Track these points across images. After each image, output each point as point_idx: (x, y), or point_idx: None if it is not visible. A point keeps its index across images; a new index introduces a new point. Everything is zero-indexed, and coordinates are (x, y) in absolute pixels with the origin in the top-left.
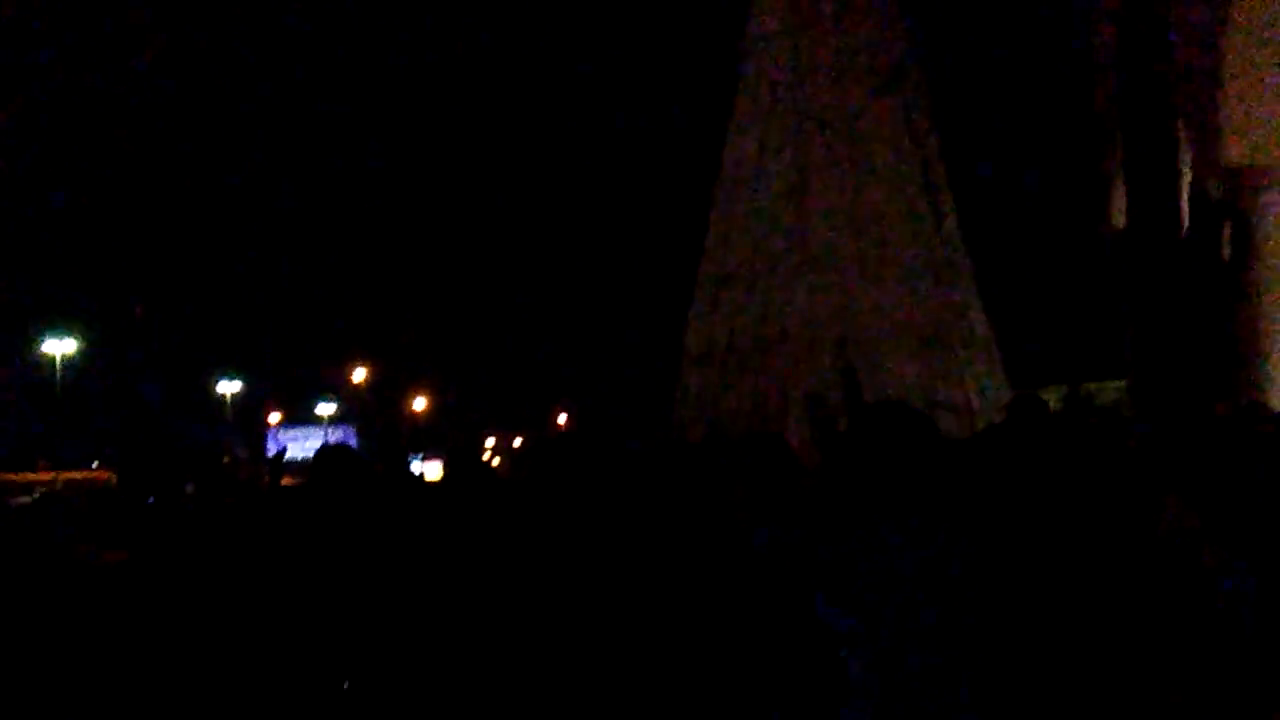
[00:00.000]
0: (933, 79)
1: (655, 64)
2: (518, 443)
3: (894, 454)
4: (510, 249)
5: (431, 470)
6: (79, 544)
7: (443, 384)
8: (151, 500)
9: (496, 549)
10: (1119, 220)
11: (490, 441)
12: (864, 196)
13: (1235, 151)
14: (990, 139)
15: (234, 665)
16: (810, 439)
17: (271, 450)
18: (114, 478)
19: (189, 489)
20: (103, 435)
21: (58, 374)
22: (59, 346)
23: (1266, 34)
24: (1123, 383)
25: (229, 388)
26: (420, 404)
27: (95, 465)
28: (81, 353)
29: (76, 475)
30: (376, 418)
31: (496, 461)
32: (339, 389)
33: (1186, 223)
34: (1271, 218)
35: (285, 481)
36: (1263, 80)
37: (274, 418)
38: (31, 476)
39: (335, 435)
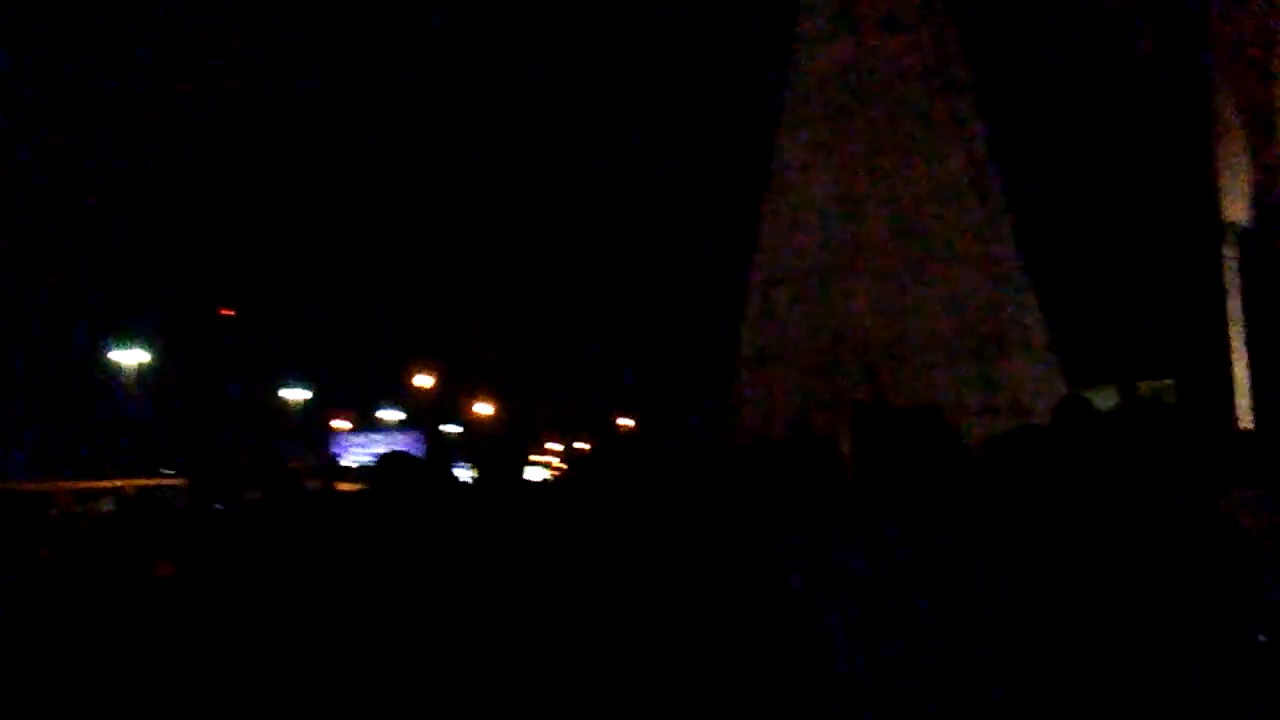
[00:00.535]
0: (984, 77)
1: (705, 65)
2: (580, 447)
3: (902, 455)
4: (571, 255)
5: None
6: (152, 552)
7: (506, 390)
8: (218, 506)
9: (534, 553)
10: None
11: (555, 446)
12: (914, 198)
13: None
14: (1044, 138)
15: (291, 670)
16: (852, 446)
17: (338, 457)
18: (183, 485)
19: (253, 495)
20: (172, 443)
21: (129, 383)
22: (129, 356)
23: None
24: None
25: (296, 395)
26: (484, 410)
27: (165, 472)
28: (151, 362)
29: (147, 482)
30: (439, 424)
31: (560, 466)
32: (404, 396)
33: None
34: None
35: (345, 487)
36: None
37: (340, 424)
38: (104, 483)
39: (402, 441)
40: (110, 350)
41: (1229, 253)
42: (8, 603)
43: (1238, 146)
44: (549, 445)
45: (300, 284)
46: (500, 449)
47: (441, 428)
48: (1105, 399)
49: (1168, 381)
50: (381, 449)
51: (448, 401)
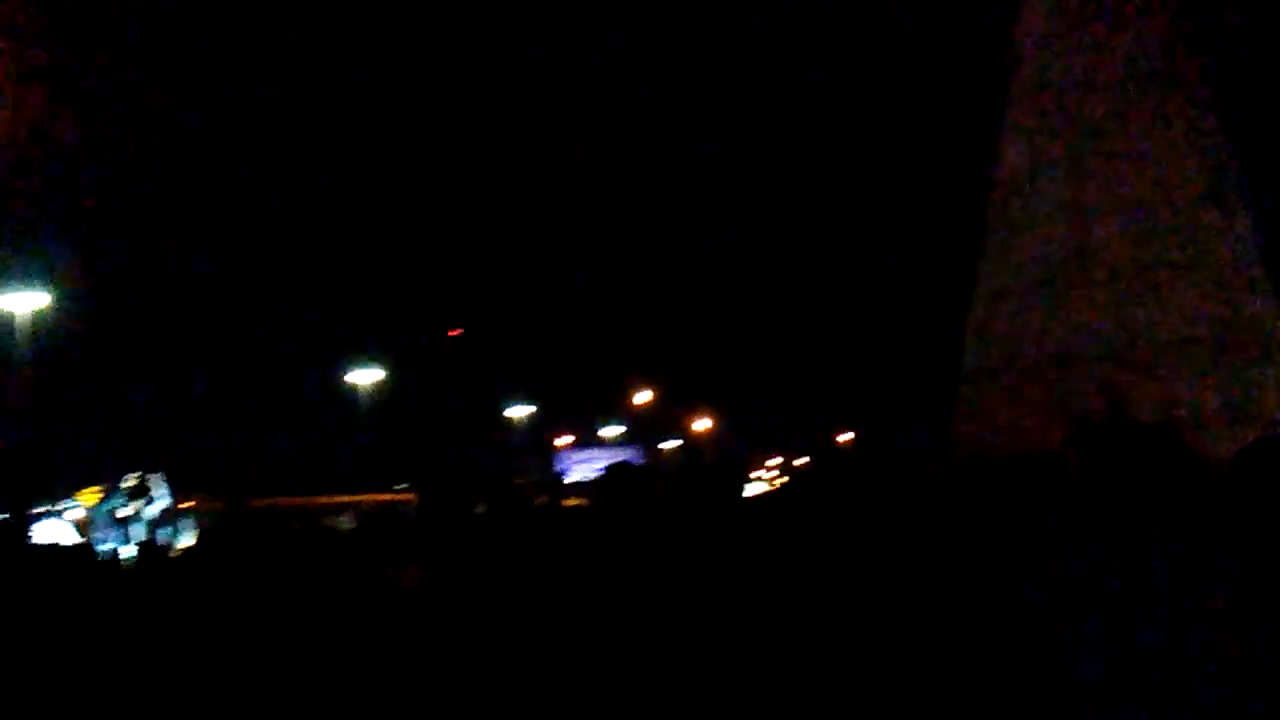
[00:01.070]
0: (1220, 74)
1: (923, 71)
2: (799, 463)
3: (1139, 470)
4: (789, 269)
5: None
6: (395, 563)
7: (725, 406)
8: (447, 521)
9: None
10: None
11: (775, 461)
12: (1145, 205)
13: None
14: None
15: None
16: (1082, 461)
17: (562, 473)
18: (415, 500)
19: (481, 510)
20: (406, 459)
21: (364, 402)
22: (366, 376)
23: None
24: None
25: (521, 412)
26: (702, 425)
27: (399, 488)
28: (386, 382)
29: (383, 497)
30: (658, 440)
31: (780, 481)
32: (624, 412)
33: None
34: None
35: (570, 502)
36: None
37: (563, 441)
38: (342, 499)
39: (621, 456)
40: (348, 372)
41: None
42: (256, 614)
43: None
44: (768, 461)
45: (525, 304)
46: (722, 465)
47: (661, 444)
48: None
49: None
50: (603, 465)
51: (666, 417)
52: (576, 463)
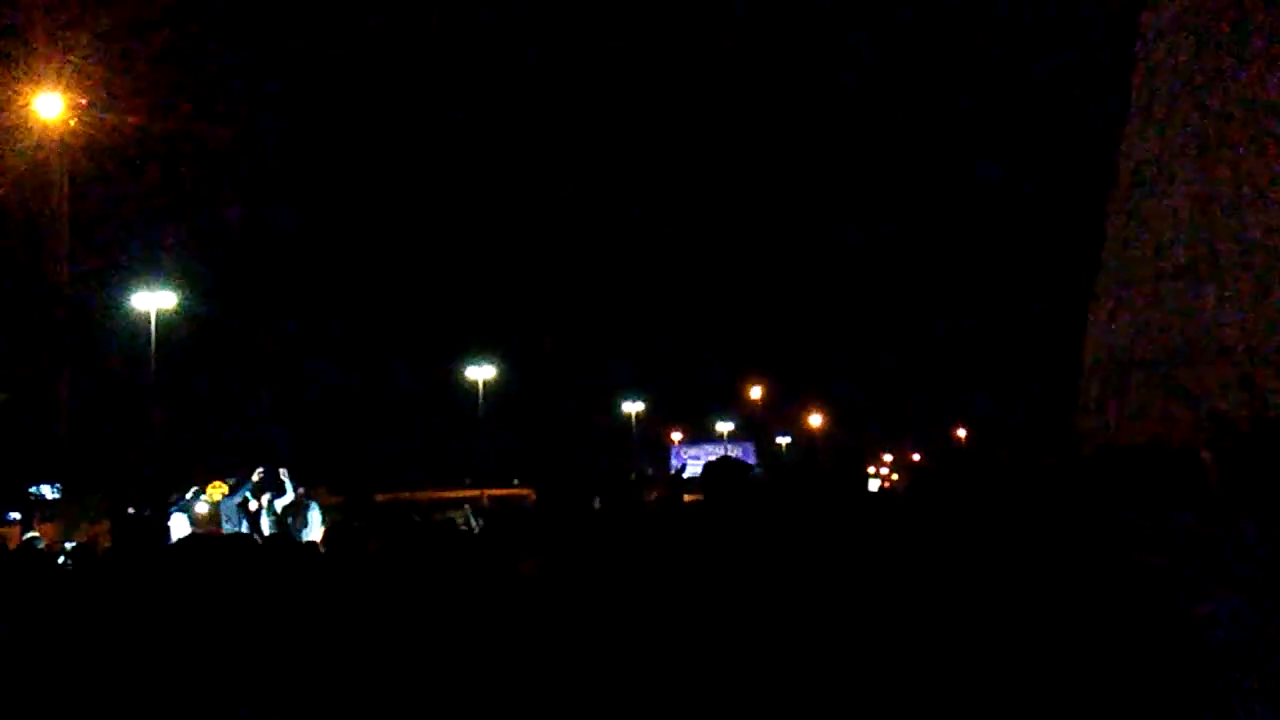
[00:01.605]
0: None
1: (1044, 63)
2: (915, 458)
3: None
4: (904, 264)
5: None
6: (517, 554)
7: (838, 401)
8: (566, 515)
9: (881, 565)
10: None
11: (888, 457)
12: (1277, 196)
13: None
14: None
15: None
16: (1214, 458)
17: (674, 467)
18: (532, 494)
19: (597, 504)
20: (522, 454)
21: (480, 399)
22: (481, 373)
23: None
24: None
25: (633, 407)
26: (816, 420)
27: (516, 482)
28: (500, 378)
29: (500, 492)
30: (771, 436)
31: (894, 478)
32: (736, 406)
33: None
34: None
35: (688, 498)
36: None
37: (676, 435)
38: (460, 493)
39: (734, 451)
40: (465, 368)
41: None
42: (382, 603)
43: None
44: (883, 456)
45: (638, 299)
46: (842, 460)
47: (775, 439)
48: None
49: None
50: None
51: (779, 412)
52: (689, 458)
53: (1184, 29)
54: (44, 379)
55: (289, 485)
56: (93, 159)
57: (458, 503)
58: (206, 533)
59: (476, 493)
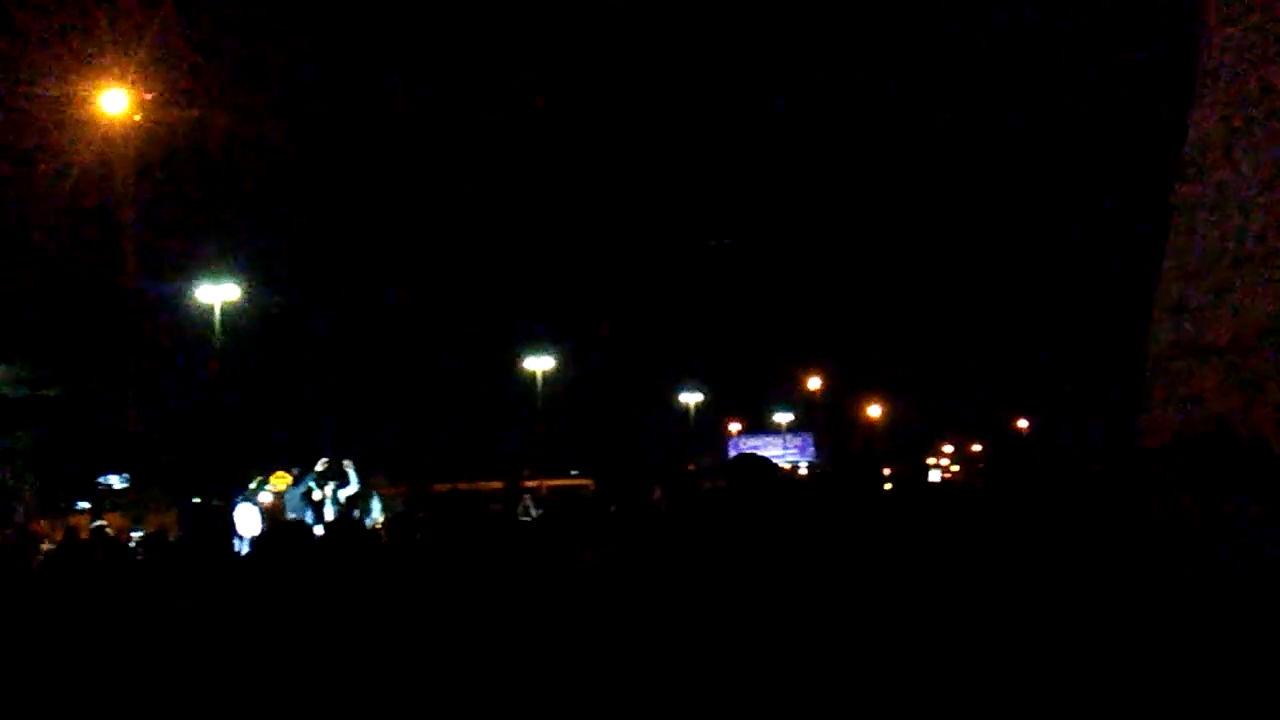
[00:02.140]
0: None
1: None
2: (976, 449)
3: None
4: (962, 248)
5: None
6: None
7: (898, 391)
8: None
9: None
10: None
11: (948, 448)
12: None
13: None
14: None
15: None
16: None
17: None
18: (591, 485)
19: (656, 495)
20: (581, 445)
21: (539, 389)
22: (539, 364)
23: None
24: None
25: (691, 398)
26: (875, 411)
27: (574, 473)
28: (559, 369)
29: (559, 482)
30: (832, 425)
31: (955, 469)
32: (795, 397)
33: None
34: None
35: None
36: None
37: (734, 427)
38: (523, 483)
39: (794, 443)
40: (524, 359)
41: None
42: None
43: None
44: (943, 447)
45: (693, 289)
46: (904, 452)
47: (834, 430)
48: None
49: None
50: (777, 450)
51: (838, 403)
52: (748, 449)
53: (1249, 6)
54: (111, 371)
55: (352, 475)
56: (158, 153)
57: (515, 493)
58: (277, 522)
59: (537, 483)
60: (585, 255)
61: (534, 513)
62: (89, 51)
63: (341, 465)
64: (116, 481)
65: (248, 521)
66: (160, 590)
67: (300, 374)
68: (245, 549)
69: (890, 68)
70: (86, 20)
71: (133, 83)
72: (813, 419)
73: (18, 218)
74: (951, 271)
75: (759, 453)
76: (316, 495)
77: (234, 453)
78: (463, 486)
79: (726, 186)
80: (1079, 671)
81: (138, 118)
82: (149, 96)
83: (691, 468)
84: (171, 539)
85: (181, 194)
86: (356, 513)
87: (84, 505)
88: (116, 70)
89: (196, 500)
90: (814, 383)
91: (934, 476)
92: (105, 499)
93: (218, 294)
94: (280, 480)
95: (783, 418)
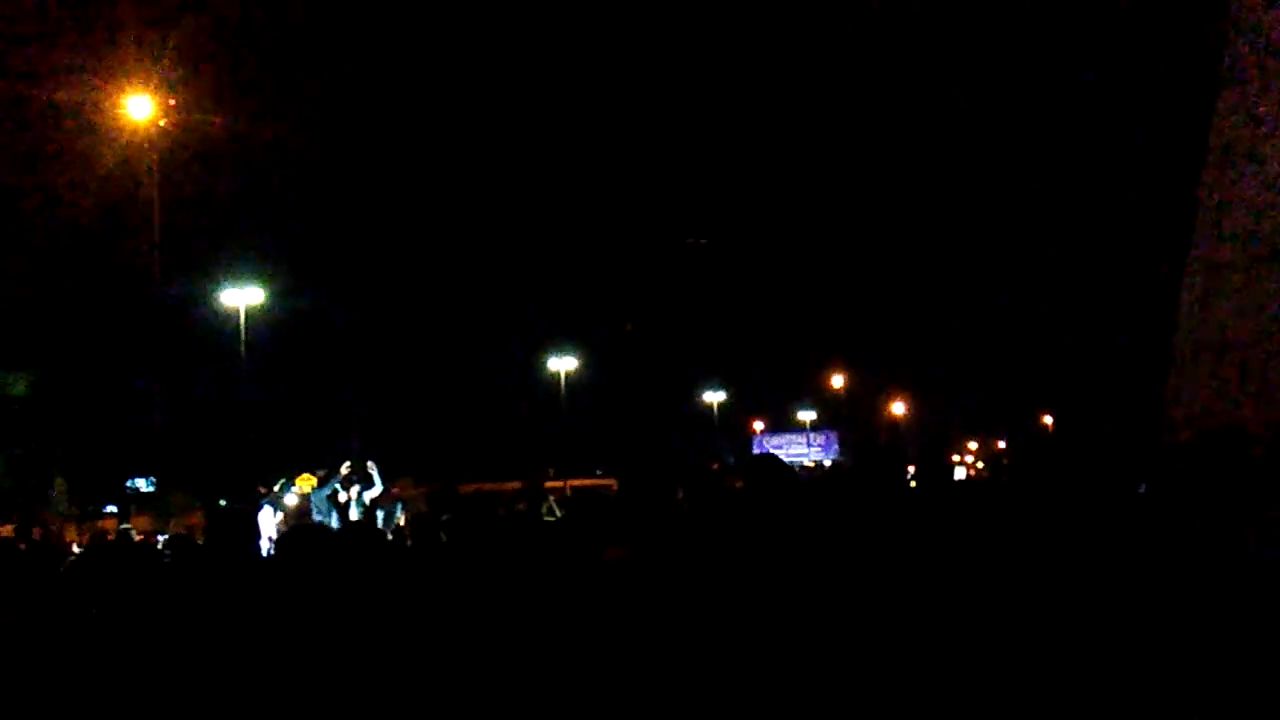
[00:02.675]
0: None
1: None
2: (1001, 446)
3: None
4: (986, 242)
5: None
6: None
7: (921, 388)
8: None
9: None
10: None
11: (973, 445)
12: None
13: None
14: None
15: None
16: None
17: None
18: (615, 485)
19: (680, 495)
20: (605, 445)
21: (563, 389)
22: (563, 364)
23: None
24: None
25: (715, 397)
26: (899, 408)
27: (599, 473)
28: (582, 370)
29: (583, 482)
30: (856, 422)
31: (979, 466)
32: (819, 395)
33: None
34: None
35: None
36: None
37: (758, 425)
38: (546, 484)
39: (817, 441)
40: (547, 359)
41: None
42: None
43: None
44: (968, 444)
45: (716, 289)
46: (928, 449)
47: (858, 427)
48: None
49: None
50: (801, 449)
51: (861, 400)
52: (772, 447)
53: (1275, 5)
54: (138, 375)
55: (377, 477)
56: (182, 158)
57: (540, 493)
58: (301, 525)
59: (561, 483)
60: (609, 256)
61: (558, 512)
62: (116, 58)
63: (366, 467)
64: (143, 485)
65: (271, 524)
66: (185, 591)
67: (325, 376)
68: (269, 551)
69: (913, 62)
70: (115, 27)
71: (158, 88)
72: (836, 417)
73: (45, 223)
74: (977, 268)
75: (782, 451)
76: (342, 497)
77: (259, 455)
78: (487, 487)
79: (752, 186)
80: (1101, 667)
81: (162, 123)
82: (173, 103)
83: (715, 467)
84: (199, 541)
85: (207, 198)
86: (381, 514)
87: (111, 508)
88: (142, 76)
89: (222, 503)
90: (837, 381)
91: (959, 474)
92: (132, 502)
93: (242, 298)
94: (305, 482)
95: (806, 416)
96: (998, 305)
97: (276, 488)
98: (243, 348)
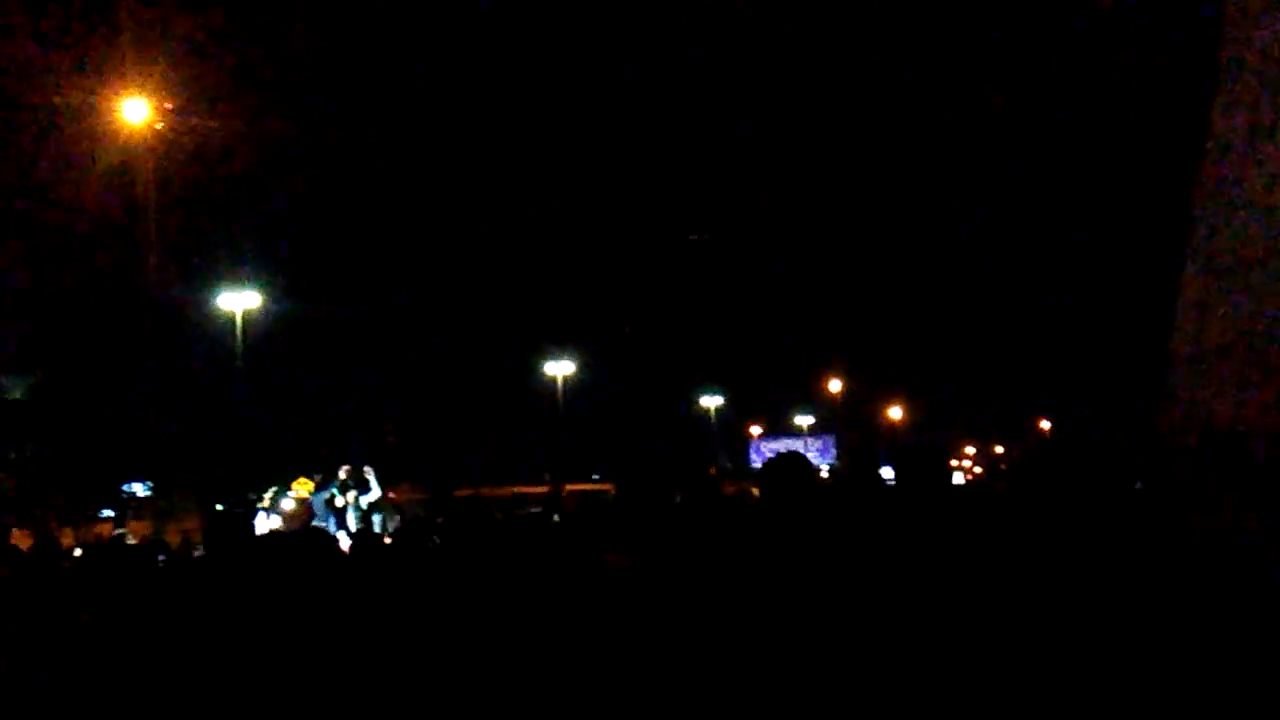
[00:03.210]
0: None
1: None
2: (998, 451)
3: None
4: (981, 250)
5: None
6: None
7: (919, 393)
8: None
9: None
10: None
11: (970, 450)
12: None
13: None
14: None
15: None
16: None
17: (755, 462)
18: (612, 489)
19: (677, 499)
20: (602, 450)
21: (560, 394)
22: (559, 368)
23: None
24: None
25: (712, 402)
26: (896, 413)
27: (595, 478)
28: (579, 375)
29: (580, 487)
30: (853, 427)
31: (977, 470)
32: (816, 399)
33: None
34: None
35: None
36: None
37: (755, 430)
38: (540, 489)
39: (814, 445)
40: (543, 364)
41: None
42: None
43: None
44: (965, 448)
45: (713, 293)
46: (923, 453)
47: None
48: None
49: None
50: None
51: (859, 405)
52: (770, 452)
53: (1274, 4)
54: (134, 379)
55: (374, 482)
56: (178, 161)
57: (556, 498)
58: (288, 530)
59: (556, 488)
60: (605, 260)
61: (555, 518)
62: (111, 60)
63: (363, 472)
64: (140, 489)
65: (266, 530)
66: (180, 596)
67: (322, 381)
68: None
69: (905, 65)
70: (109, 29)
71: (153, 92)
72: (834, 421)
73: (39, 226)
74: (973, 273)
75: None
76: (339, 502)
77: (256, 459)
78: (485, 492)
79: (748, 190)
80: (1101, 667)
81: (159, 126)
82: (170, 106)
83: (712, 471)
84: (196, 546)
85: (203, 202)
86: (378, 519)
87: (108, 513)
88: (138, 79)
89: (219, 508)
90: (835, 385)
91: (957, 479)
92: (129, 506)
93: (239, 302)
94: (303, 487)
95: (803, 420)
96: (995, 309)
97: (268, 495)
98: (239, 351)
